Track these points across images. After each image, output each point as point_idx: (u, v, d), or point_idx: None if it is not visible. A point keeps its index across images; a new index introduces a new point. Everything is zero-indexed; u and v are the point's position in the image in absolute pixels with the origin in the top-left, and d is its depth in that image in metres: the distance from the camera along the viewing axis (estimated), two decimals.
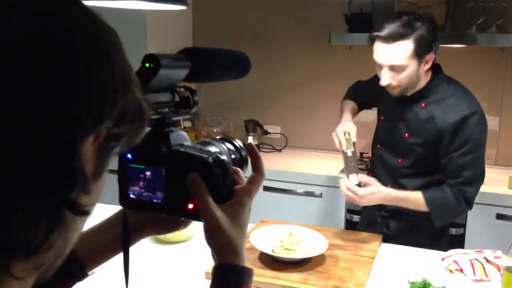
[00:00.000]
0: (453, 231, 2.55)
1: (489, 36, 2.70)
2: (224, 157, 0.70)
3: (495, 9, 2.75)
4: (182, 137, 0.72)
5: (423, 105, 1.84)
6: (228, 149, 0.77)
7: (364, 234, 1.87)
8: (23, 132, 0.43)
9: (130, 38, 3.70)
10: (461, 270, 1.58)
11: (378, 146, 2.02)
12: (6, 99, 0.42)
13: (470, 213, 2.53)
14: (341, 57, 3.24)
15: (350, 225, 2.71)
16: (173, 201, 0.69)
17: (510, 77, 2.97)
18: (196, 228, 1.61)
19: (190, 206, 0.69)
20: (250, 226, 1.88)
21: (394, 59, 1.70)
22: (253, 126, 3.33)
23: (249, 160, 0.77)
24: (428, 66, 1.77)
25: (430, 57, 1.74)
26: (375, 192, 1.78)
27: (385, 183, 1.87)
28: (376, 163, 2.03)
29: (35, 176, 0.44)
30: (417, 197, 1.81)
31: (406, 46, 1.67)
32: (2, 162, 0.43)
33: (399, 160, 1.92)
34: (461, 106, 1.78)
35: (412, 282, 1.46)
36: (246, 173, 0.75)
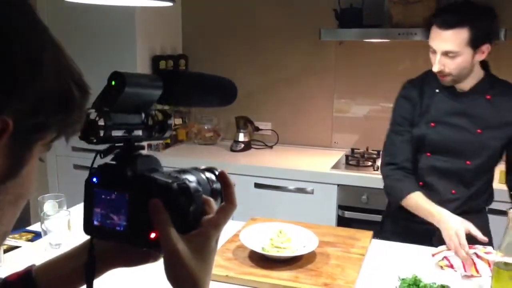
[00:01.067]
0: None
1: None
2: (192, 185, 0.65)
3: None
4: (153, 162, 0.68)
5: (488, 97, 1.81)
6: (208, 178, 0.73)
7: (355, 231, 1.86)
8: None
9: (119, 35, 3.68)
10: (452, 266, 1.57)
11: (428, 154, 1.89)
12: None
13: None
14: (331, 53, 3.22)
15: (342, 222, 2.71)
16: (136, 229, 0.64)
17: (501, 71, 2.96)
18: None
19: (153, 235, 0.63)
20: (240, 224, 1.88)
21: (449, 45, 1.69)
22: (244, 122, 3.31)
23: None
24: (483, 57, 1.75)
25: (486, 48, 1.73)
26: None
27: (444, 192, 1.86)
28: (428, 173, 1.90)
29: None
30: None
31: (462, 34, 1.67)
32: None
33: (467, 162, 1.84)
34: None
35: (403, 279, 1.45)
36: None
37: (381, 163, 2.00)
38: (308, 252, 1.59)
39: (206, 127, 3.43)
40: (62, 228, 1.59)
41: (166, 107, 0.70)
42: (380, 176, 2.00)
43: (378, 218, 2.27)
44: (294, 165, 2.91)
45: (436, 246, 1.68)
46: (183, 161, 3.01)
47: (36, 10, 0.49)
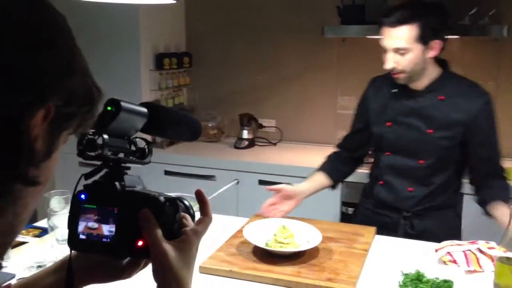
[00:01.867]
0: None
1: (482, 27, 2.70)
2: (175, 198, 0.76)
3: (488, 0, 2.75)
4: (136, 182, 0.77)
5: (442, 97, 1.84)
6: (181, 202, 0.81)
7: (358, 227, 1.87)
8: None
9: (123, 33, 3.69)
10: (455, 261, 1.58)
11: (387, 154, 1.97)
12: None
13: (465, 203, 2.53)
14: (334, 50, 3.23)
15: (346, 218, 2.71)
16: (123, 239, 0.72)
17: (504, 67, 2.97)
18: None
19: (140, 243, 0.71)
20: (244, 220, 1.89)
21: (399, 42, 1.74)
22: (248, 120, 3.32)
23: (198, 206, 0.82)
24: (434, 53, 1.79)
25: (437, 44, 1.77)
26: None
27: (401, 190, 1.93)
28: (387, 171, 1.98)
29: None
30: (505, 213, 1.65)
31: (410, 30, 1.72)
32: None
33: (420, 161, 1.89)
34: (478, 93, 1.83)
35: (406, 274, 1.46)
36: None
37: None
38: (311, 248, 1.60)
39: (210, 125, 3.44)
40: None
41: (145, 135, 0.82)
42: None
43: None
44: (298, 162, 2.92)
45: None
46: (187, 158, 3.03)
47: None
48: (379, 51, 3.21)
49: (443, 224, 1.95)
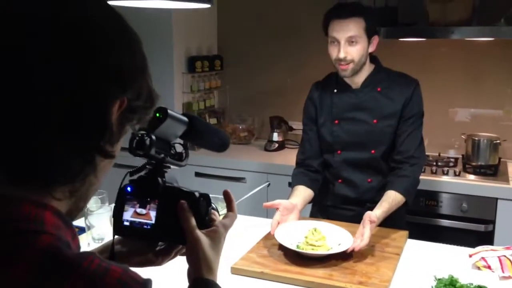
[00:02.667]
0: (482, 227, 2.52)
1: None
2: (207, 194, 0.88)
3: None
4: (173, 179, 0.89)
5: (378, 89, 2.00)
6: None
7: (390, 231, 1.86)
8: (78, 85, 0.60)
9: (156, 36, 3.75)
10: (489, 267, 1.56)
11: (339, 152, 2.05)
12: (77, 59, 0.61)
13: (499, 209, 2.49)
14: None
15: None
16: (162, 227, 0.85)
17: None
18: None
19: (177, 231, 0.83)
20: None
21: (351, 31, 1.89)
22: (278, 122, 3.33)
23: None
24: (373, 48, 1.98)
25: (376, 40, 1.97)
26: (372, 228, 1.70)
27: (361, 183, 2.02)
28: (343, 169, 2.05)
29: (78, 121, 0.61)
30: (397, 200, 1.87)
31: (359, 22, 1.91)
32: (57, 107, 0.59)
33: (372, 151, 2.00)
34: (407, 82, 2.00)
35: (439, 279, 1.45)
36: None
37: None
38: (343, 250, 1.60)
39: (240, 127, 3.47)
40: (104, 223, 1.65)
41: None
42: None
43: (407, 218, 2.25)
44: None
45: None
46: (218, 160, 3.05)
47: None
48: (414, 52, 3.16)
49: (402, 210, 1.99)
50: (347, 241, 1.64)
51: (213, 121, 3.52)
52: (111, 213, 1.67)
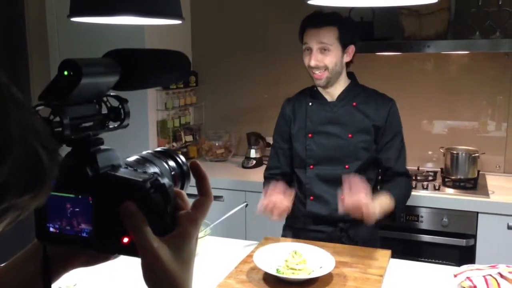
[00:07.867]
0: (463, 242, 2.49)
1: (492, 42, 2.64)
2: (164, 180, 0.58)
3: (499, 14, 2.70)
4: (112, 157, 0.60)
5: (354, 104, 1.99)
6: (168, 165, 0.66)
7: (372, 250, 1.81)
8: None
9: None
10: (475, 287, 1.51)
11: (311, 167, 2.01)
12: None
13: (480, 224, 2.46)
14: None
15: None
16: (104, 234, 0.58)
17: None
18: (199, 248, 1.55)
19: (126, 240, 0.57)
20: (254, 245, 1.83)
21: (324, 39, 1.90)
22: (255, 139, 3.28)
23: (194, 180, 0.66)
24: (349, 58, 1.96)
25: (351, 50, 1.95)
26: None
27: (333, 200, 1.88)
28: (315, 185, 2.00)
29: None
30: (388, 203, 1.83)
31: (332, 31, 1.91)
32: None
33: (346, 167, 1.96)
34: (384, 100, 2.00)
35: None
36: (187, 190, 0.66)
37: None
38: (324, 274, 1.54)
39: (217, 144, 3.40)
40: None
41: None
42: None
43: (386, 233, 2.21)
44: None
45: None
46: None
47: None
48: (390, 66, 3.16)
49: (375, 229, 1.98)
50: (329, 263, 1.58)
51: (188, 138, 3.45)
52: None
